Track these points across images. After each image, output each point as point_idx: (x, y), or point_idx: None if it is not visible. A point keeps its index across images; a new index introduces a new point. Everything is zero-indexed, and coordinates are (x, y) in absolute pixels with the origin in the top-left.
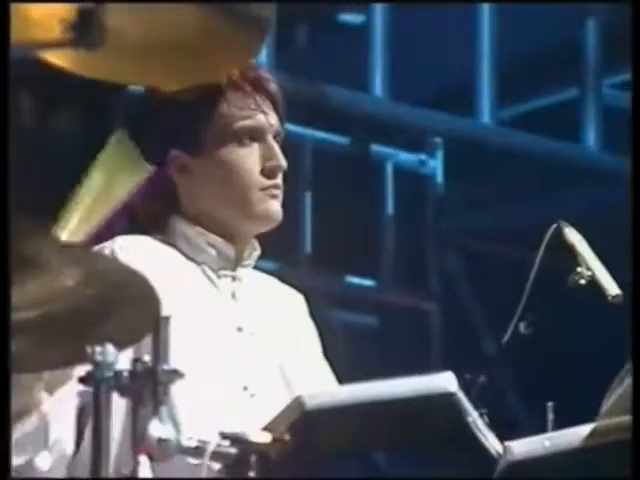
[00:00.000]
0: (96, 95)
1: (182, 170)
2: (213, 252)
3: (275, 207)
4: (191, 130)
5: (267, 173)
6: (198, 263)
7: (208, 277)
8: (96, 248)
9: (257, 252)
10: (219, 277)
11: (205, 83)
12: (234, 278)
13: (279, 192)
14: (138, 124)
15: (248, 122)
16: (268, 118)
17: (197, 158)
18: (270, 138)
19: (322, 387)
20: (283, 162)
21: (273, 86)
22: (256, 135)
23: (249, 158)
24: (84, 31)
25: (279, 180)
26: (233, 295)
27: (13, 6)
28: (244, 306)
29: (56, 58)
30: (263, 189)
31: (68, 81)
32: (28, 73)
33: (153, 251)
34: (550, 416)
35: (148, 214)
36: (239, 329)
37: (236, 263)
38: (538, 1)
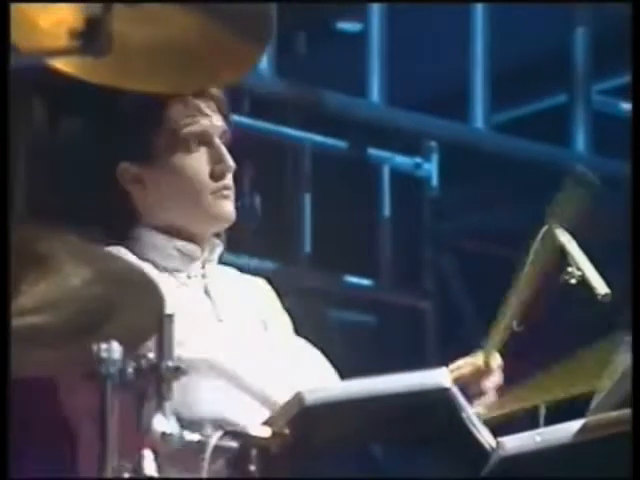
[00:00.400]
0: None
1: (134, 182)
2: (180, 256)
3: (228, 207)
4: (137, 141)
5: (216, 176)
6: (169, 270)
7: (180, 281)
8: None
9: (220, 248)
10: (189, 277)
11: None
12: (203, 276)
13: (230, 192)
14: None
15: (193, 128)
16: (212, 120)
17: (147, 168)
18: (216, 140)
19: (302, 364)
20: (231, 163)
21: (215, 91)
22: (203, 139)
23: (198, 163)
24: (91, 39)
25: (228, 181)
26: (206, 291)
27: (15, 9)
28: (218, 299)
29: (65, 65)
30: (214, 192)
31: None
32: (38, 80)
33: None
34: (542, 411)
35: (113, 228)
36: (220, 320)
37: (203, 262)
38: (538, 1)
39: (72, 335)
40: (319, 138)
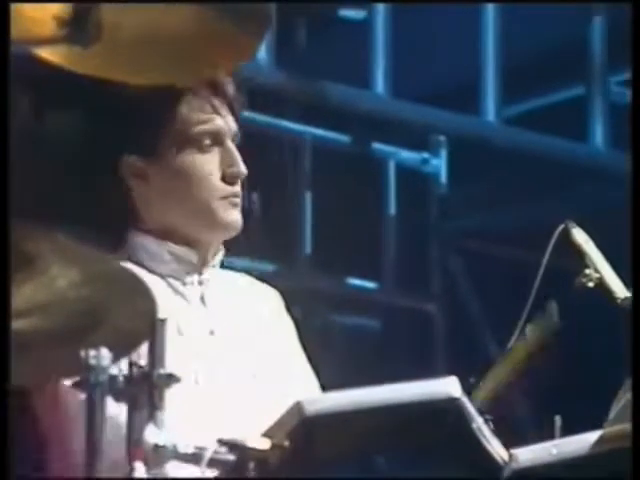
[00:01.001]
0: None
1: (138, 177)
2: (175, 261)
3: (236, 216)
4: (147, 134)
5: (228, 180)
6: (162, 275)
7: (173, 288)
8: None
9: (221, 252)
10: (184, 284)
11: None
12: (200, 282)
13: (239, 200)
14: (90, 124)
15: (207, 126)
16: (227, 121)
17: (154, 164)
18: (229, 142)
19: (298, 387)
20: (243, 168)
21: (231, 88)
22: (215, 139)
23: (209, 164)
24: (79, 27)
25: (239, 188)
26: (202, 299)
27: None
28: (214, 309)
29: (51, 55)
30: (224, 197)
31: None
32: (23, 70)
33: None
34: (557, 422)
35: (103, 228)
36: (211, 332)
37: (200, 267)
38: (541, 1)
39: (59, 340)
40: (320, 132)
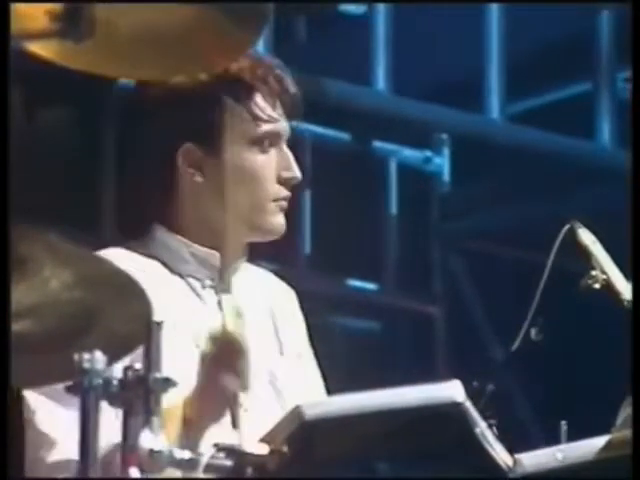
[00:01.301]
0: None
1: (193, 167)
2: (196, 263)
3: (282, 220)
4: (210, 124)
5: (283, 183)
6: (182, 275)
7: (193, 289)
8: None
9: (244, 257)
10: (204, 287)
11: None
12: (220, 286)
13: (286, 204)
14: (138, 113)
15: (271, 127)
16: (286, 124)
17: (212, 157)
18: (285, 146)
19: (310, 393)
20: (299, 173)
21: (295, 91)
22: (275, 141)
23: (268, 165)
24: (71, 22)
25: (289, 192)
26: (219, 304)
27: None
28: (231, 313)
29: (42, 49)
30: (275, 200)
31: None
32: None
33: (133, 266)
34: (563, 427)
35: (127, 224)
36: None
37: (222, 271)
38: (541, 1)
39: (53, 343)
40: (320, 129)
